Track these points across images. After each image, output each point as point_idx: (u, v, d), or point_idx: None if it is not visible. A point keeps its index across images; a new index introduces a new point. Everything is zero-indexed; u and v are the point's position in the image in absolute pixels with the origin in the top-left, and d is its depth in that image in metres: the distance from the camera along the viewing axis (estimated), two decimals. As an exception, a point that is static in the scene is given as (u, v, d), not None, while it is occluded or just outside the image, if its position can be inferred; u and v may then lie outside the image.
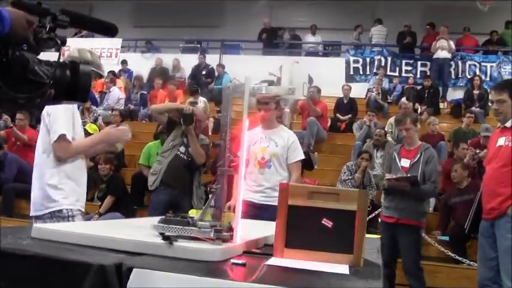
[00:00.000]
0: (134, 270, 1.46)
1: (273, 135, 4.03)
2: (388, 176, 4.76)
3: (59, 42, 1.30)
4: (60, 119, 2.96)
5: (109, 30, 1.52)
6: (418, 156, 4.73)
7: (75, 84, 1.34)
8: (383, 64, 12.66)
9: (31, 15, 1.28)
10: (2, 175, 7.38)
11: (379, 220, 5.21)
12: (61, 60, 1.38)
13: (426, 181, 4.67)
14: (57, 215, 2.98)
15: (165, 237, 1.68)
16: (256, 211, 3.59)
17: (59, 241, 1.82)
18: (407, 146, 4.86)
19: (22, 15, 1.26)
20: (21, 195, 7.59)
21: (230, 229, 1.84)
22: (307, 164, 7.76)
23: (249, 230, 2.10)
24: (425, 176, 4.67)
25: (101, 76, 3.44)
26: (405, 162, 4.78)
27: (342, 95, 10.72)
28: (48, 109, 3.00)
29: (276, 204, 3.89)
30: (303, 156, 4.12)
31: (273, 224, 1.94)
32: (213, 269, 1.57)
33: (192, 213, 2.10)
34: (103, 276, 1.46)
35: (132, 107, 11.50)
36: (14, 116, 8.25)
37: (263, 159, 3.93)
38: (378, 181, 6.71)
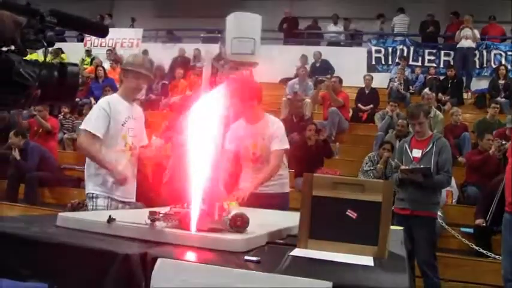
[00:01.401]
0: (159, 259, 1.46)
1: (259, 129, 3.90)
2: (402, 167, 4.72)
3: (45, 43, 1.29)
4: (92, 115, 3.33)
5: (99, 31, 1.51)
6: (430, 146, 4.67)
7: (62, 85, 1.34)
8: (405, 54, 12.43)
9: (19, 16, 1.26)
10: (25, 164, 7.48)
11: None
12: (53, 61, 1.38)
13: (440, 171, 4.62)
14: (87, 198, 3.39)
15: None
16: (255, 201, 3.54)
17: (84, 230, 1.83)
18: (418, 137, 4.81)
19: (9, 17, 1.24)
20: (44, 184, 7.72)
21: (185, 215, 1.80)
22: (326, 153, 7.70)
23: (272, 221, 2.09)
24: (438, 166, 4.61)
25: (150, 79, 3.68)
26: (417, 153, 4.72)
27: (363, 85, 10.58)
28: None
29: (272, 191, 3.84)
30: (286, 146, 3.92)
31: (296, 214, 1.92)
32: (236, 258, 1.57)
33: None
34: (128, 265, 1.47)
35: (153, 97, 11.55)
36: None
37: (254, 155, 3.87)
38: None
